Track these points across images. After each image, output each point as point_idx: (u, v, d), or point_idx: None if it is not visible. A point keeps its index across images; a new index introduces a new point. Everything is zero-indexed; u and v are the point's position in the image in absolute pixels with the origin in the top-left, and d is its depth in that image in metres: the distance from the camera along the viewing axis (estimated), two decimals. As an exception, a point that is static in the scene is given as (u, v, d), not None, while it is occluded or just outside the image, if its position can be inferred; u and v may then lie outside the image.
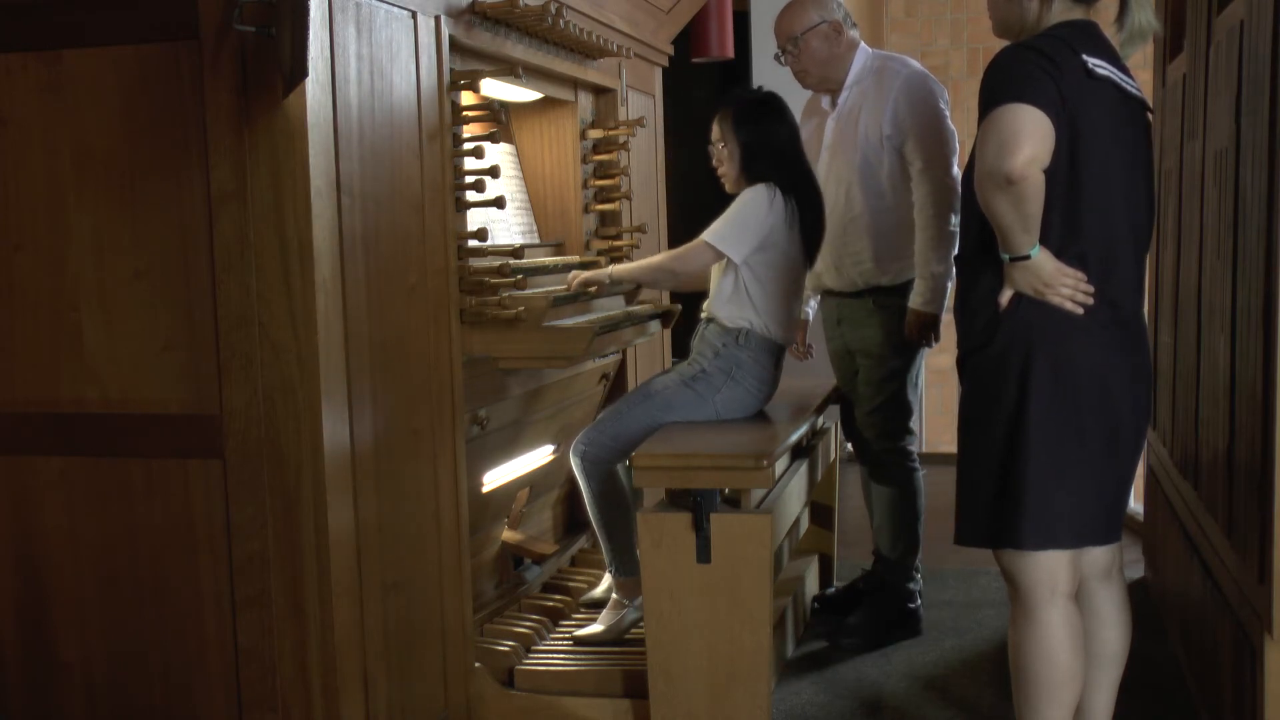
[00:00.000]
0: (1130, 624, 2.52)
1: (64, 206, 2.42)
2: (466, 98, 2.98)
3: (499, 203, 2.91)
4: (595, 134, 3.69)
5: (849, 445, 3.92)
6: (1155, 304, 3.83)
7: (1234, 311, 2.52)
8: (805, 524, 3.96)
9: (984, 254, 2.33)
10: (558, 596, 3.49)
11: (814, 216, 3.23)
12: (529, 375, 3.27)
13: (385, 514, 2.54)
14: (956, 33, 6.97)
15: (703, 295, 3.36)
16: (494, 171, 2.88)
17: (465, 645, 2.87)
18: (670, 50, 4.39)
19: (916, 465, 3.65)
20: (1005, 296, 2.29)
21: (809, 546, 4.04)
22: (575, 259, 3.55)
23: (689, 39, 5.30)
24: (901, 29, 7.01)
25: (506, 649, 3.06)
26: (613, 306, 3.52)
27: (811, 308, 3.86)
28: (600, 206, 3.75)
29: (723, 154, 3.23)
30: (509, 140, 3.64)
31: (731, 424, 3.14)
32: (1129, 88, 2.33)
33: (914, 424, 3.67)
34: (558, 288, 3.19)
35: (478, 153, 2.85)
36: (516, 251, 2.93)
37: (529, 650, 3.13)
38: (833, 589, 3.97)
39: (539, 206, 3.70)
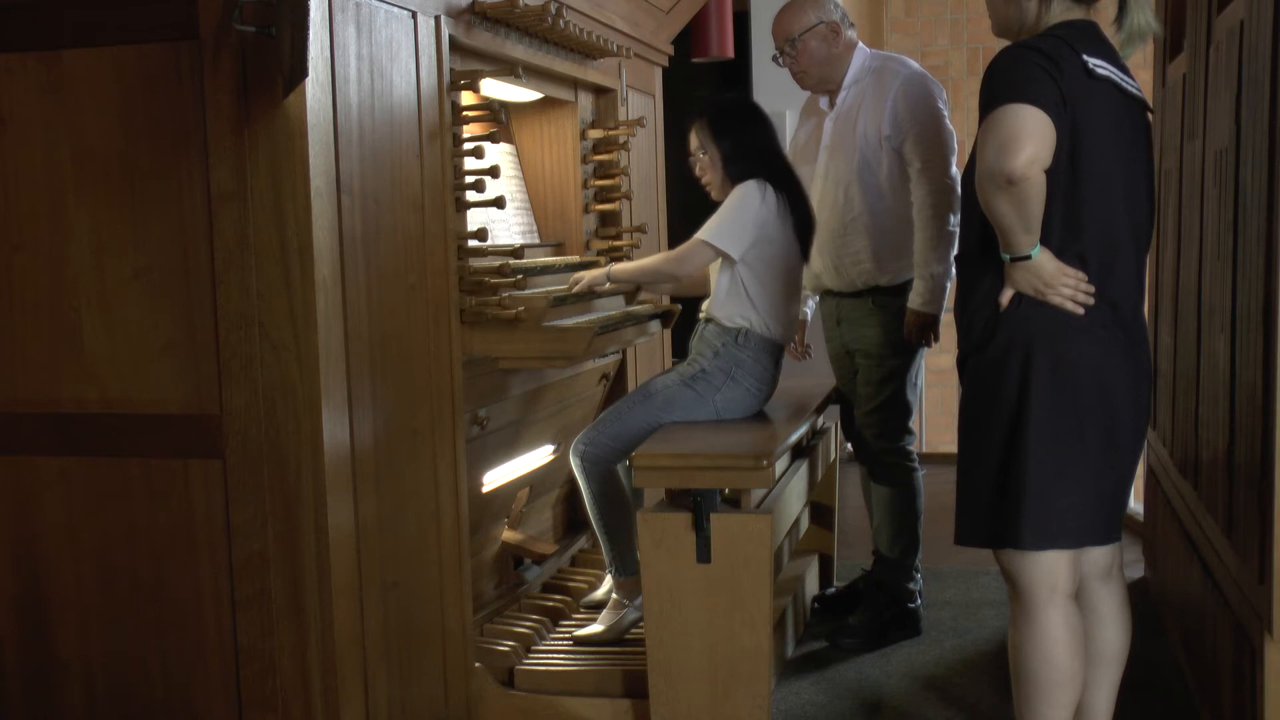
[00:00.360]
0: (1130, 624, 2.53)
1: (64, 207, 2.42)
2: (466, 98, 2.99)
3: (499, 203, 2.91)
4: (595, 134, 3.69)
5: (849, 445, 3.92)
6: (1155, 304, 3.82)
7: (1234, 311, 2.52)
8: (805, 524, 3.96)
9: (984, 254, 2.33)
10: (558, 596, 3.49)
11: (803, 210, 3.24)
12: (529, 375, 3.27)
13: (385, 514, 2.54)
14: (956, 33, 6.97)
15: (702, 297, 3.36)
16: (494, 171, 2.88)
17: (465, 645, 2.87)
18: (670, 50, 4.39)
19: (916, 465, 3.65)
20: (1005, 296, 2.29)
21: (809, 546, 4.04)
22: (575, 259, 3.55)
23: (689, 39, 5.30)
24: (901, 29, 7.01)
25: (506, 649, 3.06)
26: (613, 306, 3.52)
27: (810, 308, 3.86)
28: (600, 206, 3.75)
29: (705, 163, 3.24)
30: (509, 140, 3.64)
31: (731, 424, 3.15)
32: (1129, 88, 2.33)
33: (914, 424, 3.67)
34: (558, 288, 3.20)
35: (478, 153, 2.85)
36: (516, 251, 2.93)
37: (529, 650, 3.13)
38: (833, 589, 3.97)
39: (539, 206, 3.70)
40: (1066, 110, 2.20)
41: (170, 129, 2.35)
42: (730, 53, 5.50)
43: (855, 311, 3.60)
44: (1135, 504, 4.64)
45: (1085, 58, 2.24)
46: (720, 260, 3.18)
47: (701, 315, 3.28)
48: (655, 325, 3.62)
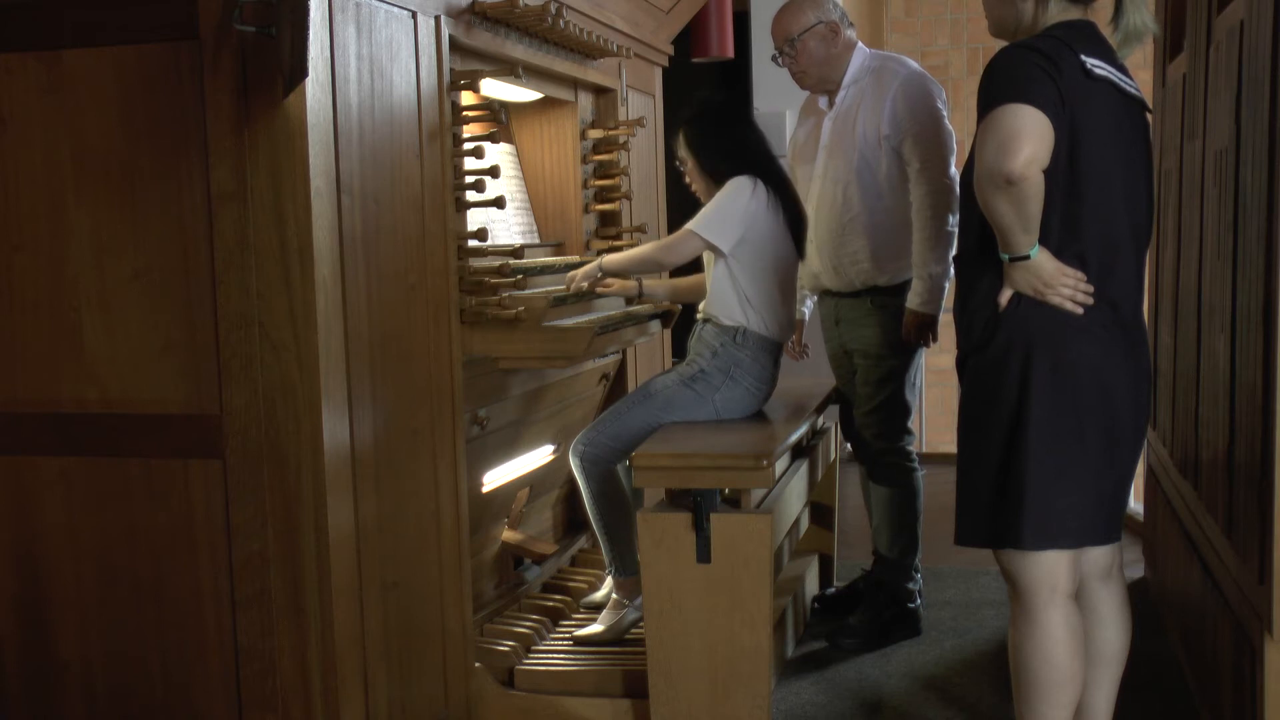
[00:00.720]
0: (1130, 624, 2.53)
1: (64, 207, 2.42)
2: (466, 98, 2.99)
3: (499, 203, 2.91)
4: (595, 134, 3.69)
5: (849, 445, 3.93)
6: (1155, 304, 3.82)
7: (1234, 311, 2.52)
8: (805, 524, 3.96)
9: (983, 254, 2.33)
10: (558, 596, 3.49)
11: (794, 206, 3.25)
12: (529, 375, 3.27)
13: (385, 514, 2.54)
14: (956, 33, 6.97)
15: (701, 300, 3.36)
16: (494, 171, 2.88)
17: (465, 645, 2.87)
18: (670, 50, 4.39)
19: (915, 465, 3.65)
20: (1005, 297, 2.29)
21: (809, 546, 4.04)
22: (575, 259, 3.55)
23: (689, 39, 5.30)
24: (901, 29, 7.01)
25: (506, 649, 3.06)
26: (613, 306, 3.52)
27: (808, 308, 3.86)
28: (600, 206, 3.75)
29: (689, 169, 3.26)
30: (509, 140, 3.64)
31: (731, 424, 3.15)
32: (1128, 88, 2.33)
33: (913, 424, 3.67)
34: (557, 288, 3.20)
35: (478, 153, 2.86)
36: (516, 251, 2.93)
37: (529, 650, 3.13)
38: (833, 589, 3.97)
39: (539, 206, 3.70)
40: (1065, 110, 2.20)
41: (170, 129, 2.35)
42: (730, 53, 5.50)
43: (854, 312, 3.60)
44: (1135, 504, 4.64)
45: (1084, 58, 2.24)
46: (715, 259, 3.18)
47: (699, 315, 3.28)
48: (655, 325, 3.62)
